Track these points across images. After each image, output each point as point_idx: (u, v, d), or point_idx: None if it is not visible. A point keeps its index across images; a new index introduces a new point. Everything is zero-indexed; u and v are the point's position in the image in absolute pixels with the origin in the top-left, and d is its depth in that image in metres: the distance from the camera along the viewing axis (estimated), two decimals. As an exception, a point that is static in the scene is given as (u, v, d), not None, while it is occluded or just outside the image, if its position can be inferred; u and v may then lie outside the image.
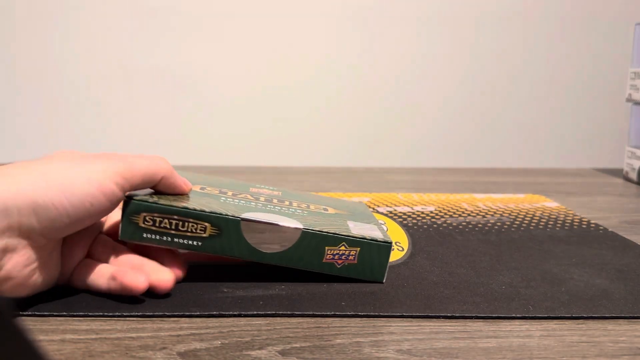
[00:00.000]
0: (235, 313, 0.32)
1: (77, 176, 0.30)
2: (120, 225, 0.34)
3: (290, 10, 0.97)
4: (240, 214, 0.35)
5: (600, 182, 0.79)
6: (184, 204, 0.34)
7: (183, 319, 0.32)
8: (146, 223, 0.34)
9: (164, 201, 0.34)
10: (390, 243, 0.37)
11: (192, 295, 0.34)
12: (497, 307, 0.34)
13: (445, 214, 0.57)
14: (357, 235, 0.37)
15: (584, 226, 0.53)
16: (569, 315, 0.33)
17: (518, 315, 0.33)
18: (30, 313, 0.31)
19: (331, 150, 1.02)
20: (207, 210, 0.35)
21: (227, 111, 0.99)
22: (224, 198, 0.38)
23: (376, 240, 0.37)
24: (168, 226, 0.34)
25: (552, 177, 0.83)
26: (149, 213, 0.34)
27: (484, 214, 0.57)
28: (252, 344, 0.29)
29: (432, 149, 1.04)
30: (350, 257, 0.37)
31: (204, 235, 0.35)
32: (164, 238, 0.34)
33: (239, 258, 0.36)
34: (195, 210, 0.34)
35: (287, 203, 0.41)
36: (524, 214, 0.57)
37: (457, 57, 1.01)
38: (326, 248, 0.37)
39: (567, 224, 0.54)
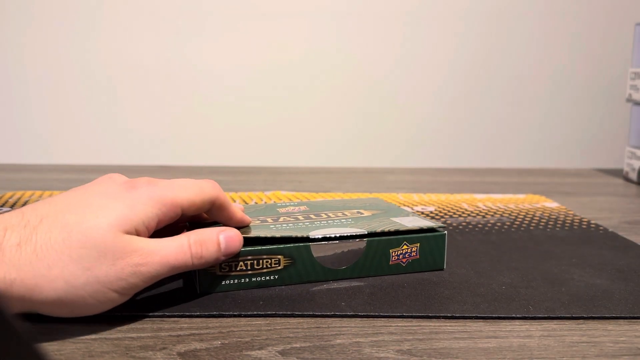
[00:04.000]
0: (235, 313, 0.32)
1: (88, 296, 0.28)
2: (197, 280, 0.34)
3: (290, 10, 0.97)
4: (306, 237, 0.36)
5: (600, 182, 0.79)
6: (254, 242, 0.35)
7: (183, 319, 0.32)
8: (223, 270, 0.34)
9: None
10: (445, 232, 0.39)
11: (192, 295, 0.34)
12: (497, 307, 0.34)
13: (446, 214, 0.57)
14: (414, 229, 0.39)
15: (584, 226, 0.53)
16: (569, 316, 0.33)
17: (518, 316, 0.33)
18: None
19: (331, 150, 1.02)
20: (277, 242, 0.35)
21: (227, 111, 0.99)
22: (273, 226, 0.38)
23: (433, 231, 0.39)
24: (244, 267, 0.35)
25: (552, 177, 0.83)
26: (224, 260, 0.34)
27: (484, 214, 0.57)
28: (252, 344, 0.29)
29: (431, 149, 1.04)
30: (413, 254, 0.39)
31: (279, 267, 0.36)
32: (242, 280, 0.35)
33: (315, 281, 0.37)
34: (266, 246, 0.35)
35: (324, 216, 0.41)
36: (524, 214, 0.57)
37: (457, 57, 1.01)
38: (391, 251, 0.38)
39: (568, 224, 0.54)
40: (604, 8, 1.01)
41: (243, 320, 0.32)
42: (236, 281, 0.35)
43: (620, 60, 1.00)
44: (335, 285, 0.36)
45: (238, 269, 0.35)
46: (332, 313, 0.32)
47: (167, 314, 0.32)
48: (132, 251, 0.28)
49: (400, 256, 0.38)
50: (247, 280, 0.35)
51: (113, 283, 0.28)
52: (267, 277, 0.35)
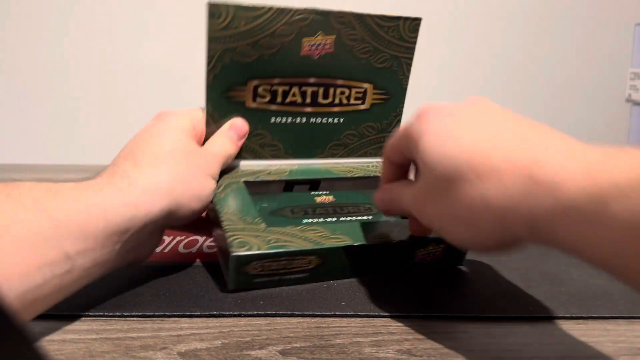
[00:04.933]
0: (235, 313, 0.32)
1: (202, 183, 0.36)
2: (230, 276, 0.34)
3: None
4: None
5: (600, 182, 0.79)
6: (286, 244, 0.35)
7: (183, 319, 0.32)
8: (256, 270, 0.35)
9: (267, 246, 0.35)
10: None
11: (192, 295, 0.34)
12: (497, 307, 0.34)
13: (445, 214, 0.57)
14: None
15: (583, 226, 0.53)
16: (569, 316, 0.33)
17: (518, 316, 0.33)
18: (30, 313, 0.31)
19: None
20: (310, 245, 0.36)
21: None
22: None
23: None
24: (277, 268, 0.35)
25: (552, 177, 0.83)
26: (259, 261, 0.34)
27: (483, 214, 0.57)
28: (252, 344, 0.29)
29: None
30: (437, 254, 0.39)
31: (310, 266, 0.36)
32: (274, 278, 0.35)
33: (342, 278, 0.37)
34: (300, 248, 0.35)
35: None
36: (524, 214, 0.57)
37: (456, 57, 1.01)
38: (417, 251, 0.38)
39: (567, 224, 0.53)
40: (604, 8, 1.01)
41: (243, 320, 0.32)
42: (267, 279, 0.35)
43: (620, 60, 1.00)
44: (335, 284, 0.37)
45: (271, 269, 0.35)
46: (332, 313, 0.32)
47: (168, 313, 0.32)
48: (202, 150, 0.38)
49: (425, 255, 0.39)
50: (278, 278, 0.36)
51: (204, 168, 0.36)
52: (298, 275, 0.36)
